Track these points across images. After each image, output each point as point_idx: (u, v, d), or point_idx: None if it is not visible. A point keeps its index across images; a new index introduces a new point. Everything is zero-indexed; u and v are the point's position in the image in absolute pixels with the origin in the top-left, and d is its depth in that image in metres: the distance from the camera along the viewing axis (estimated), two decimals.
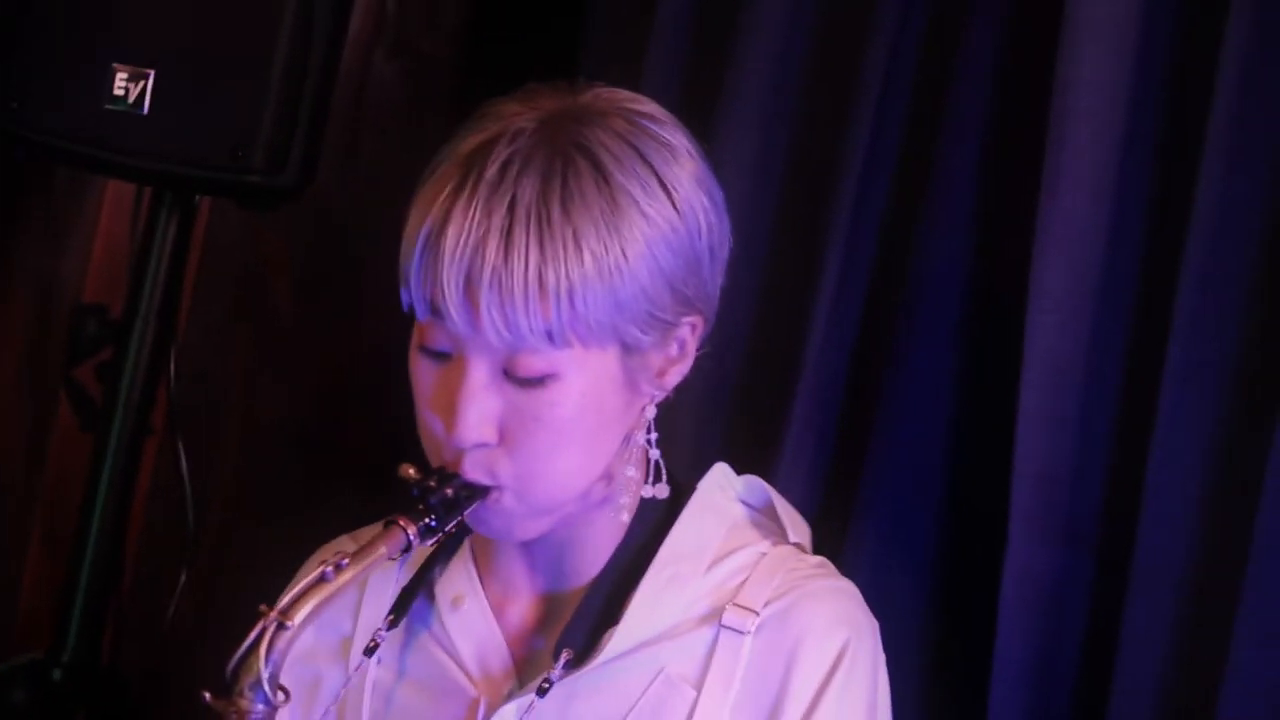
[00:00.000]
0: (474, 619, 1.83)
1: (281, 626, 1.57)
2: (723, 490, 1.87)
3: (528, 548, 1.81)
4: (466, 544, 1.87)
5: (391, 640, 1.84)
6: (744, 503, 1.88)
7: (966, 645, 2.25)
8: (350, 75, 2.91)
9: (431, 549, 1.85)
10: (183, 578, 2.86)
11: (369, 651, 1.83)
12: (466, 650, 1.82)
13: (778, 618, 1.76)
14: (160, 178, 2.63)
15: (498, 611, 1.84)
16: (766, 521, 1.87)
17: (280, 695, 1.58)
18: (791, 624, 1.75)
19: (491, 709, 1.78)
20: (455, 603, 1.84)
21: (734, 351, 2.38)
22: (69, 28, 2.55)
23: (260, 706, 1.57)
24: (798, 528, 1.87)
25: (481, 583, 1.85)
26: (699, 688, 1.75)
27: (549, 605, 1.83)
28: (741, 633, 1.75)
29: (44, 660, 2.74)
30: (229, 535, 3.12)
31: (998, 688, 2.18)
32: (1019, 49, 2.29)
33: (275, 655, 1.56)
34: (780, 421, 2.35)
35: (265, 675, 1.56)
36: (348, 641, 1.86)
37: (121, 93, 2.51)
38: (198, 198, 2.76)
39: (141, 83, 2.51)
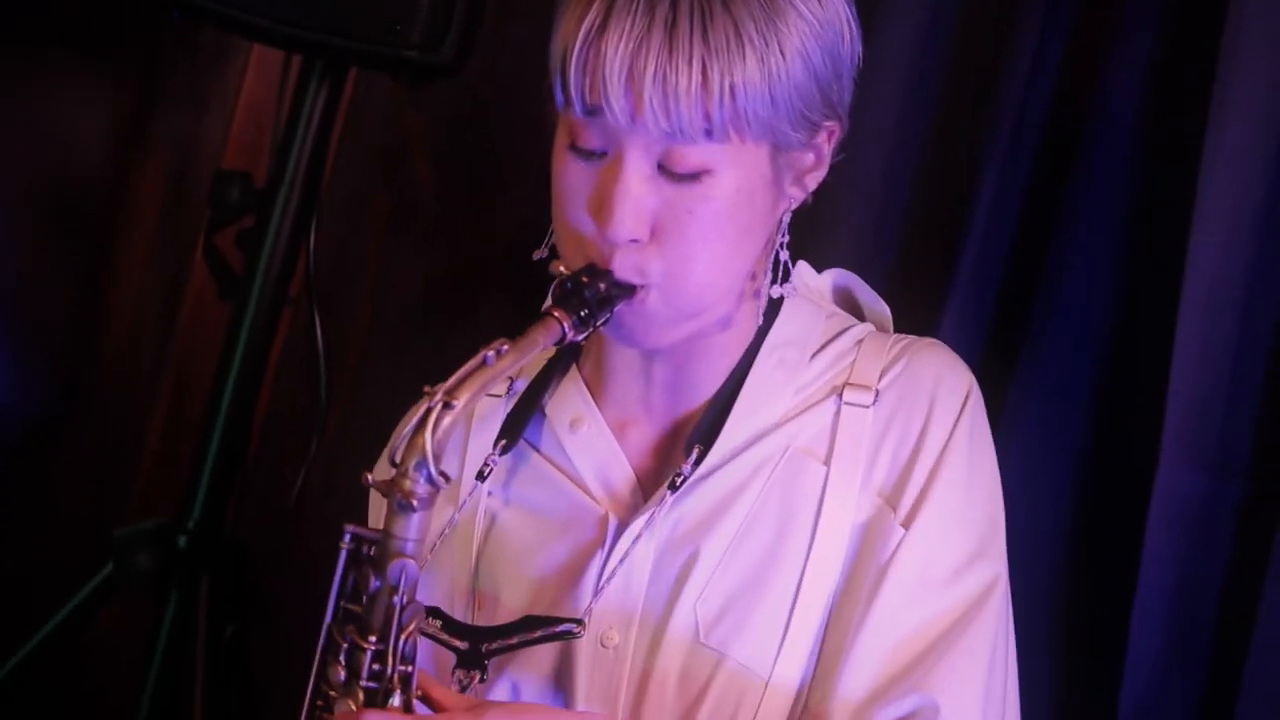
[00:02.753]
0: (594, 439, 1.86)
1: (447, 406, 1.57)
2: (807, 286, 1.92)
3: (649, 366, 1.83)
4: (575, 370, 1.89)
5: (503, 468, 1.87)
6: (833, 297, 1.94)
7: (1110, 551, 2.22)
8: None
9: (533, 378, 1.89)
10: (312, 448, 2.85)
11: (481, 476, 1.86)
12: (588, 470, 1.85)
13: (895, 379, 1.81)
14: (316, 47, 2.61)
15: (617, 432, 1.86)
16: (854, 311, 1.93)
17: (442, 477, 1.58)
18: (910, 378, 1.81)
19: (622, 524, 1.80)
20: (574, 425, 1.86)
21: (900, 201, 2.37)
22: None
23: (425, 485, 1.58)
24: (882, 314, 1.93)
25: (598, 406, 1.87)
26: (828, 463, 1.78)
27: (669, 427, 1.85)
28: (863, 406, 1.79)
29: (169, 525, 2.76)
30: (355, 410, 3.12)
31: (1140, 604, 2.16)
32: None
33: (440, 435, 1.57)
34: (944, 291, 2.32)
35: (431, 454, 1.57)
36: (456, 484, 1.88)
37: None
38: (349, 69, 2.75)
39: None
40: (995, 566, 1.77)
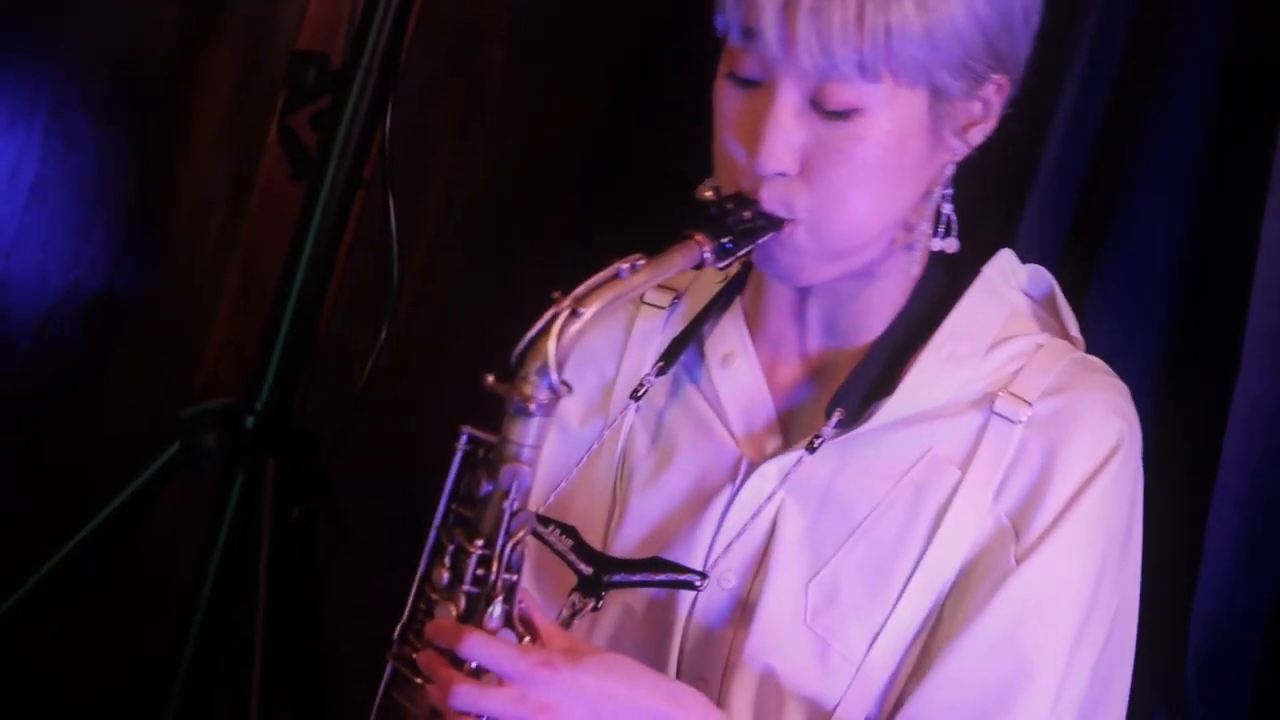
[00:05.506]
0: (742, 375, 1.85)
1: (574, 314, 1.55)
2: (1005, 277, 1.86)
3: (803, 304, 1.82)
4: (738, 302, 1.89)
5: (655, 390, 1.87)
6: (1026, 293, 1.87)
7: (1188, 465, 2.20)
8: None
9: (702, 306, 1.88)
10: (383, 335, 2.84)
11: (635, 395, 1.86)
12: (732, 407, 1.84)
13: (1052, 409, 1.76)
14: None
15: (767, 371, 1.85)
16: (1045, 314, 1.87)
17: (564, 386, 1.57)
18: (1065, 415, 1.75)
19: (754, 466, 1.80)
20: (726, 359, 1.85)
21: None
22: None
23: (545, 392, 1.56)
24: (1075, 324, 1.86)
25: (753, 342, 1.85)
26: (964, 469, 1.75)
27: (819, 365, 1.84)
28: (1013, 421, 1.75)
29: (236, 406, 2.75)
30: (425, 297, 3.11)
31: (1215, 511, 2.14)
32: None
33: (565, 342, 1.55)
34: (1014, 220, 2.29)
35: (554, 361, 1.55)
36: (609, 387, 1.90)
37: None
38: None
39: None
40: (1094, 642, 1.74)
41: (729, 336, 1.86)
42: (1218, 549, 2.15)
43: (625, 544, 1.84)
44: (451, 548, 1.61)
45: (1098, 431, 1.75)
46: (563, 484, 1.86)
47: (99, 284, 3.11)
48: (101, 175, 3.09)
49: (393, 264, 2.82)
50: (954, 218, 1.76)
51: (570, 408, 1.90)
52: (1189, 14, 2.26)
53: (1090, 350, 2.18)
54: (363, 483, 3.03)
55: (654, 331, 1.90)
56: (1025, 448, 1.74)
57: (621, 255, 1.60)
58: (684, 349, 1.87)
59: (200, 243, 3.21)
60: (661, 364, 1.86)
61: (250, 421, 2.73)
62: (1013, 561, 1.72)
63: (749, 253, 1.67)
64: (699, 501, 1.82)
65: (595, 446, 1.86)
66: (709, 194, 1.69)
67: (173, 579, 2.81)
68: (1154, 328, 2.28)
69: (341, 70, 2.72)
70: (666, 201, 2.80)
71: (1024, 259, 2.27)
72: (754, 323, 1.86)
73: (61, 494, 2.92)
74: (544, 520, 1.74)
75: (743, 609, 1.77)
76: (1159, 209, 2.28)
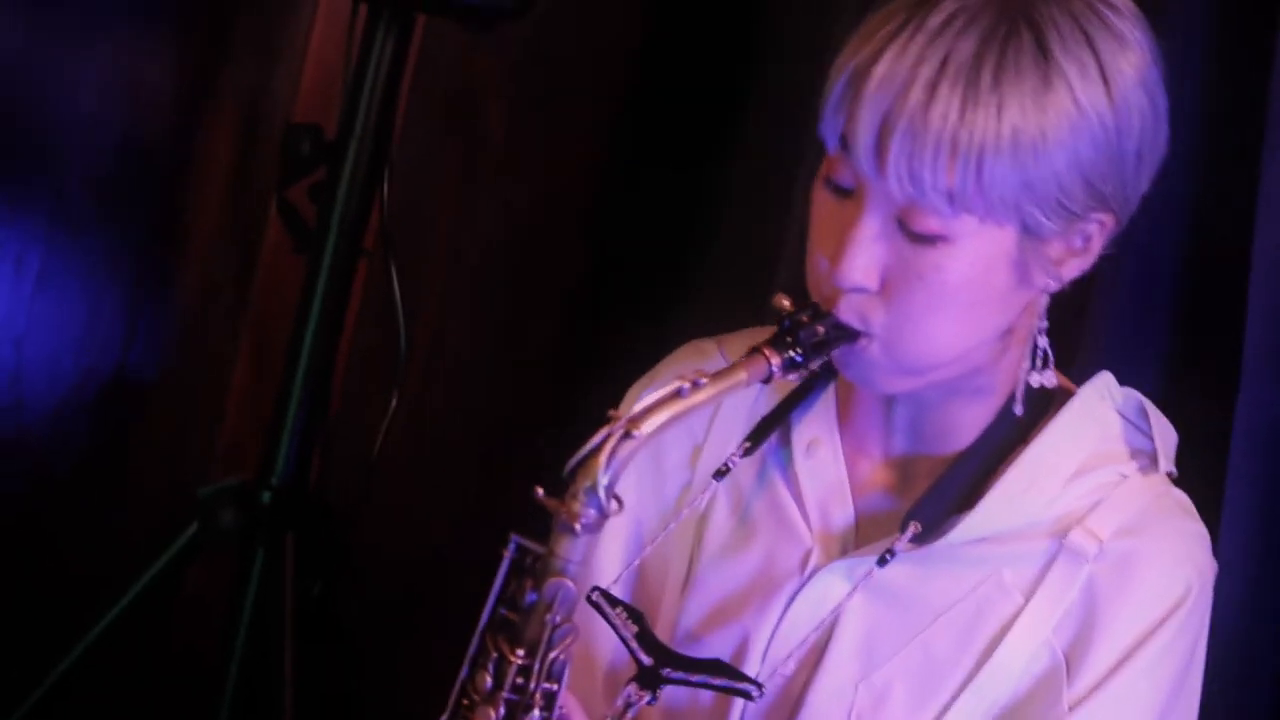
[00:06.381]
0: (826, 466, 1.82)
1: (628, 435, 1.54)
2: (1102, 400, 1.81)
3: (889, 405, 1.80)
4: (831, 389, 1.86)
5: (740, 469, 1.85)
6: (1121, 415, 1.82)
7: (1195, 480, 2.18)
8: None
9: (797, 384, 1.83)
10: (393, 402, 2.83)
11: (719, 475, 1.84)
12: (812, 497, 1.82)
13: (1123, 551, 1.72)
14: None
15: (850, 463, 1.82)
16: (1139, 440, 1.81)
17: (614, 504, 1.56)
18: (1135, 559, 1.72)
19: (821, 564, 1.78)
20: (811, 448, 1.83)
21: None
22: None
23: (592, 512, 1.55)
24: (1169, 453, 1.81)
25: (840, 432, 1.83)
26: (1027, 597, 1.72)
27: (901, 469, 1.81)
28: (1083, 558, 1.71)
29: (253, 483, 2.74)
30: (436, 361, 3.11)
31: (1227, 525, 2.12)
32: None
33: (616, 463, 1.54)
34: None
35: (603, 482, 1.54)
36: (699, 450, 1.88)
37: None
38: (416, 16, 2.71)
39: None
40: None
41: (817, 423, 1.84)
42: (1232, 561, 2.13)
43: (690, 616, 1.82)
44: (495, 655, 1.60)
45: (1166, 581, 1.71)
46: (636, 560, 1.85)
47: (111, 367, 3.11)
48: (107, 257, 3.09)
49: (400, 331, 2.82)
50: (1050, 350, 1.74)
51: (663, 469, 1.89)
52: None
53: (1092, 367, 2.18)
54: (382, 552, 3.03)
55: (746, 400, 1.87)
56: (1091, 587, 1.71)
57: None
58: (772, 430, 1.85)
59: (210, 319, 3.21)
60: (749, 444, 1.84)
61: (267, 497, 2.72)
62: (1064, 706, 1.69)
63: (821, 363, 1.66)
64: (767, 587, 1.79)
65: (673, 526, 1.84)
66: (787, 304, 1.66)
67: (203, 655, 2.81)
68: (1156, 342, 2.26)
69: (335, 141, 2.72)
70: (672, 248, 2.81)
71: None
72: (843, 413, 1.84)
73: (87, 584, 2.92)
74: (612, 600, 1.72)
75: (794, 702, 1.75)
76: (1155, 224, 2.26)
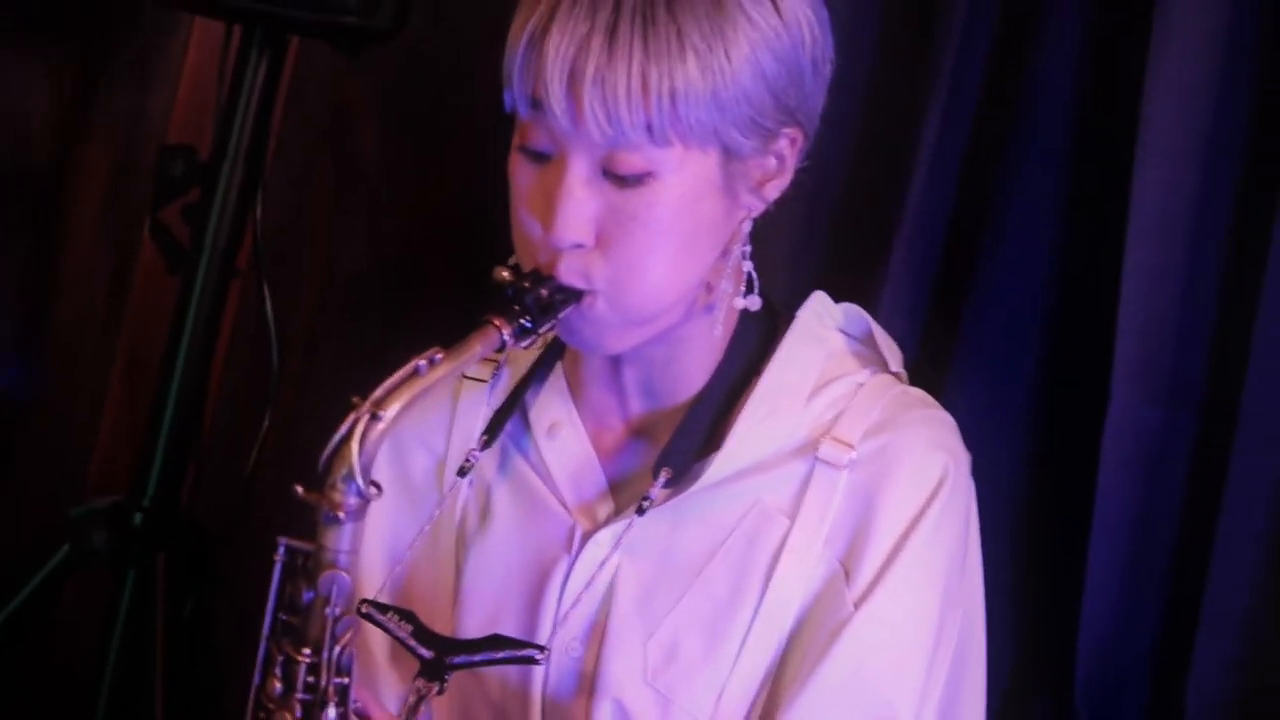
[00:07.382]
0: (570, 445, 1.85)
1: (374, 418, 1.55)
2: (820, 319, 1.87)
3: (618, 371, 1.83)
4: (559, 370, 1.89)
5: (484, 463, 1.87)
6: (843, 332, 1.89)
7: (1064, 498, 2.22)
8: None
9: (523, 374, 1.88)
10: (266, 422, 2.84)
11: (462, 472, 1.86)
12: (562, 477, 1.85)
13: (875, 449, 1.77)
14: (253, 16, 2.61)
15: (593, 437, 1.86)
16: (866, 351, 1.88)
17: (373, 489, 1.57)
18: (889, 453, 1.77)
19: (588, 535, 1.81)
20: (552, 430, 1.86)
21: (831, 189, 2.34)
22: None
23: (353, 499, 1.56)
24: (896, 357, 1.88)
25: (577, 409, 1.86)
26: (792, 518, 1.76)
27: (642, 428, 1.85)
28: (836, 467, 1.76)
29: (124, 503, 2.74)
30: (309, 380, 3.11)
31: (1097, 543, 2.15)
32: None
33: (368, 447, 1.55)
34: (879, 263, 2.31)
35: (358, 467, 1.55)
36: (442, 464, 1.90)
37: None
38: (289, 38, 2.73)
39: None
40: (942, 669, 1.77)
41: (554, 406, 1.87)
42: (1101, 578, 2.16)
43: (470, 621, 1.84)
44: (281, 658, 1.61)
45: (921, 468, 1.76)
46: (398, 567, 1.86)
47: None
48: None
49: (272, 352, 2.83)
50: (755, 275, 1.78)
51: (412, 488, 1.90)
52: (1044, 51, 2.28)
53: (963, 388, 2.21)
54: (256, 572, 3.02)
55: (479, 404, 1.90)
56: (852, 491, 1.76)
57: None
58: (507, 420, 1.87)
59: (84, 339, 3.20)
60: (486, 437, 1.86)
61: (138, 518, 2.73)
62: (850, 607, 1.73)
63: (551, 328, 1.68)
64: (539, 574, 1.82)
65: (427, 528, 1.86)
66: (506, 275, 1.68)
67: (77, 674, 2.80)
68: (1027, 361, 2.29)
69: (208, 162, 2.73)
70: None
71: (893, 303, 2.30)
72: (576, 390, 1.87)
73: None
74: (382, 607, 1.73)
75: (589, 676, 1.78)
76: (1025, 245, 2.29)
